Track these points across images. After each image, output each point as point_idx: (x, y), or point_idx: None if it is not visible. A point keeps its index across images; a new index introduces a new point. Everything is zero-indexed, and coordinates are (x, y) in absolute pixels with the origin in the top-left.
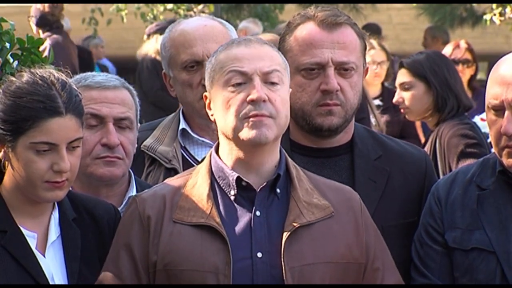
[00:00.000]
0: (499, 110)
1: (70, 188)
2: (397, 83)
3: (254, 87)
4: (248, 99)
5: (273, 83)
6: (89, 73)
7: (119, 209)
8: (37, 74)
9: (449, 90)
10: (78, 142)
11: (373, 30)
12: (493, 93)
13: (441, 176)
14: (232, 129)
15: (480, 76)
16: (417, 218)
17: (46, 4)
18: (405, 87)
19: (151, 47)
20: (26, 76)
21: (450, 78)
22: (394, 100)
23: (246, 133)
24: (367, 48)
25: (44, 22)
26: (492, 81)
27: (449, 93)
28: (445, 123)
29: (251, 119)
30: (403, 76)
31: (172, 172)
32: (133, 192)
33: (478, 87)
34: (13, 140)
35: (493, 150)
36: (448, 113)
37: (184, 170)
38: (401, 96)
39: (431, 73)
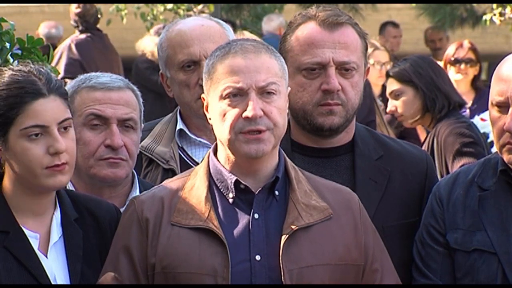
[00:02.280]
0: (503, 106)
1: (73, 189)
2: (387, 93)
3: (250, 104)
4: (243, 115)
5: (269, 94)
6: (93, 74)
7: (122, 209)
8: (14, 68)
9: (437, 90)
10: (69, 123)
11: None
12: (498, 90)
13: (438, 175)
14: (228, 141)
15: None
16: (418, 218)
17: (75, 5)
18: (395, 94)
19: (148, 44)
20: (5, 73)
21: (437, 78)
22: (388, 110)
23: (242, 148)
24: (372, 48)
25: (75, 24)
26: (497, 78)
27: (437, 92)
28: (442, 122)
29: (247, 135)
30: (391, 85)
31: (170, 172)
32: (136, 192)
33: (482, 87)
34: (4, 134)
35: (492, 149)
36: (439, 112)
37: (182, 170)
38: (394, 105)
39: (416, 76)
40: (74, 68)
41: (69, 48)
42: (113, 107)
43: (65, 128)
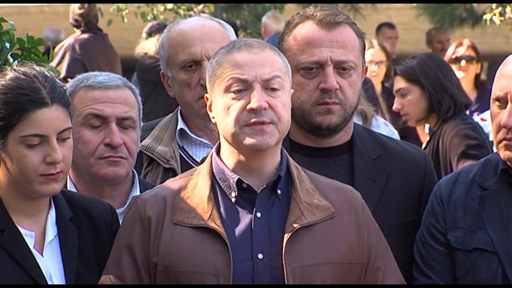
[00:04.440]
0: (502, 102)
1: (74, 188)
2: (394, 90)
3: (255, 96)
4: (248, 107)
5: (273, 89)
6: (91, 73)
7: (123, 208)
8: (19, 70)
9: (443, 91)
10: (68, 133)
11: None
12: (499, 85)
13: (443, 176)
14: (232, 135)
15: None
16: (417, 218)
17: (76, 6)
18: (401, 93)
19: (152, 45)
20: (9, 74)
21: (444, 78)
22: (394, 107)
23: (247, 140)
24: (367, 47)
25: (77, 23)
26: (499, 74)
27: (443, 93)
28: (447, 123)
29: (252, 127)
30: (398, 83)
31: (170, 172)
32: (136, 192)
33: (485, 86)
34: (3, 137)
35: (494, 149)
36: (446, 113)
37: (182, 170)
38: (400, 103)
39: (423, 76)
40: (77, 68)
41: (73, 48)
42: (111, 105)
43: (64, 139)
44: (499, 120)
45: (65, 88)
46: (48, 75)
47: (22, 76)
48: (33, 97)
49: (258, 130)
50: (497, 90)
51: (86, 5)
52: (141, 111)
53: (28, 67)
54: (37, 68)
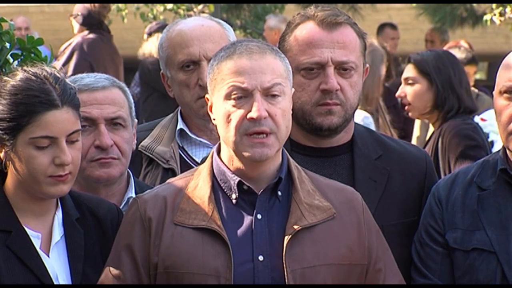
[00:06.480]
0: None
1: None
2: (402, 77)
3: (255, 105)
4: (248, 117)
5: (274, 96)
6: (78, 76)
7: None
8: (30, 71)
9: (451, 90)
10: (77, 135)
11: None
12: (508, 76)
13: (442, 175)
14: (232, 143)
15: (480, 76)
16: (417, 218)
17: (97, 4)
18: (408, 82)
19: (153, 46)
20: (19, 74)
21: (455, 78)
22: (397, 94)
23: (247, 152)
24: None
25: (89, 21)
26: (505, 66)
27: (451, 92)
28: (448, 122)
29: (251, 139)
30: (408, 71)
31: (170, 172)
32: (132, 192)
33: (477, 87)
34: (12, 138)
35: (493, 150)
36: (448, 112)
37: (182, 170)
38: (404, 91)
39: (435, 71)
40: (84, 68)
41: (81, 47)
42: (99, 107)
43: (73, 141)
44: (510, 111)
45: (75, 90)
46: (59, 76)
47: (33, 77)
48: (43, 98)
49: (257, 142)
50: (506, 81)
51: (106, 5)
52: (133, 109)
53: (39, 68)
54: (48, 69)
